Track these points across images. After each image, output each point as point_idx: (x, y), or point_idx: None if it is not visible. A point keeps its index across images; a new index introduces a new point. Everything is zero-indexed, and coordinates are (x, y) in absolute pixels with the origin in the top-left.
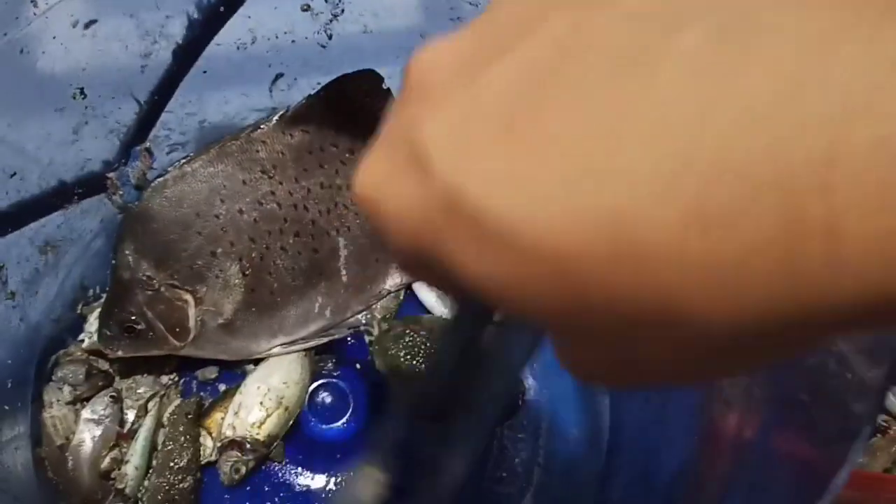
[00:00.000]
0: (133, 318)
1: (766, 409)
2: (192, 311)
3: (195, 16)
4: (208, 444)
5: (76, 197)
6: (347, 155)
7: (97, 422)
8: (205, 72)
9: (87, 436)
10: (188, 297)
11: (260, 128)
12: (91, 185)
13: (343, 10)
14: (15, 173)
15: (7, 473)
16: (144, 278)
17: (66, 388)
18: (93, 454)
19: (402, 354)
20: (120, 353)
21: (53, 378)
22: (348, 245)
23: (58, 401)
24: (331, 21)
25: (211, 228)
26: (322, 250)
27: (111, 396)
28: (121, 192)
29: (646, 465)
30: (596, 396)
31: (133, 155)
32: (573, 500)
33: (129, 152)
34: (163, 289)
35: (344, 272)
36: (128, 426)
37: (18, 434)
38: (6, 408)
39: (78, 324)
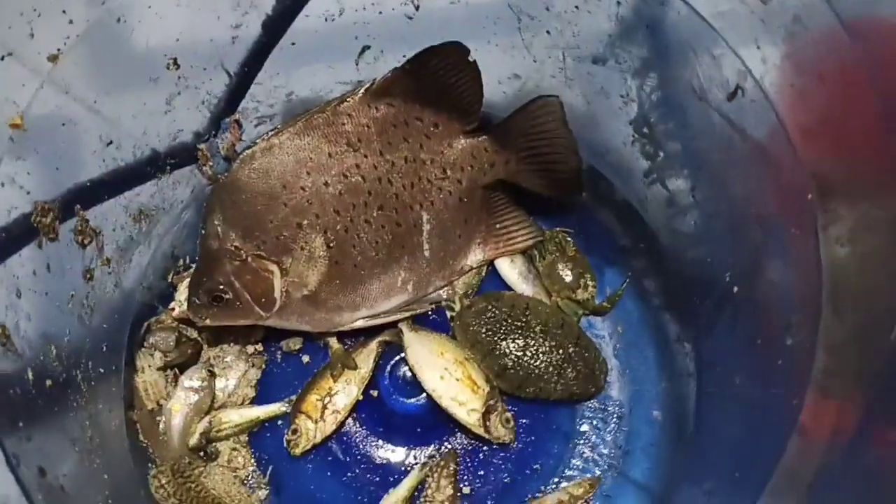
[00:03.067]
0: (221, 287)
1: (870, 398)
2: (277, 282)
3: None
4: (310, 427)
5: (168, 167)
6: (432, 129)
7: (194, 391)
8: (293, 44)
9: (182, 403)
10: (274, 267)
11: (346, 101)
12: (182, 155)
13: None
14: (111, 141)
15: (102, 435)
16: (232, 248)
17: (157, 355)
18: (184, 421)
19: (483, 330)
20: (208, 322)
21: (145, 344)
22: (431, 220)
23: (149, 366)
24: None
25: (297, 200)
26: (405, 224)
27: (209, 371)
28: (210, 164)
29: (734, 450)
30: (681, 378)
31: (223, 126)
32: (656, 485)
33: (218, 124)
34: (250, 259)
35: (426, 247)
36: (218, 398)
37: (112, 397)
38: (101, 370)
39: (168, 292)
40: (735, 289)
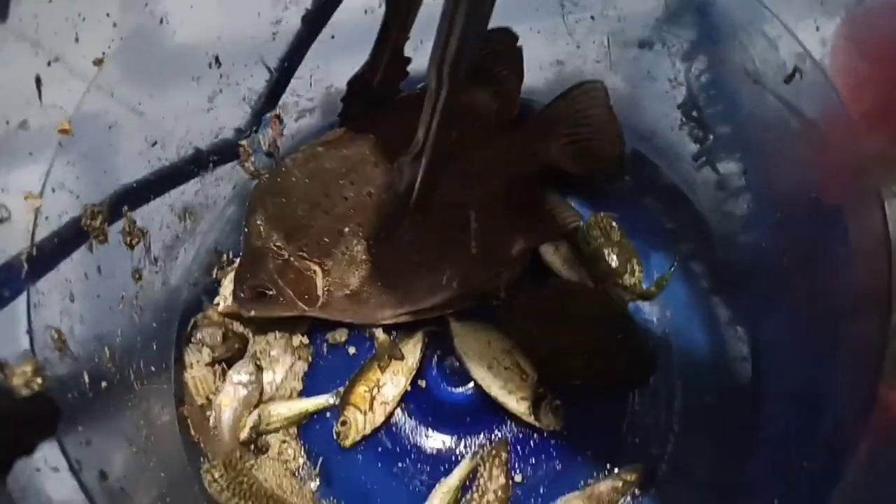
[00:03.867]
0: (265, 283)
1: None
2: (319, 281)
3: None
4: (360, 418)
5: (211, 164)
6: (477, 124)
7: (243, 385)
8: (332, 37)
9: (231, 397)
10: (316, 267)
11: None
12: (225, 152)
13: None
14: (156, 142)
15: (155, 433)
16: (275, 248)
17: (205, 350)
18: (234, 416)
19: (530, 319)
20: (253, 314)
21: (193, 340)
22: (477, 217)
23: (198, 362)
24: None
25: (339, 209)
26: (451, 223)
27: (256, 364)
28: (252, 159)
29: (795, 439)
30: (735, 362)
31: (264, 122)
32: (710, 472)
33: (260, 119)
34: (292, 259)
35: (473, 244)
36: (266, 392)
37: (163, 394)
38: (152, 368)
39: (214, 287)
40: (793, 273)
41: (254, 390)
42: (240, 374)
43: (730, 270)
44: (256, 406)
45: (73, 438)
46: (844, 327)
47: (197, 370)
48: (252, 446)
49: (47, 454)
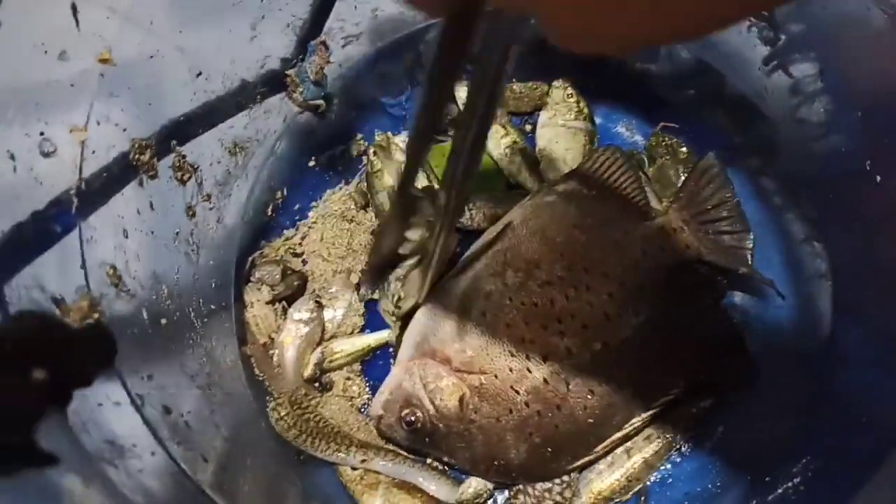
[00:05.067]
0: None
1: None
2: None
3: None
4: None
5: (258, 96)
6: None
7: (304, 322)
8: None
9: (293, 335)
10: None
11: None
12: (272, 83)
13: None
14: (200, 73)
15: (219, 371)
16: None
17: (265, 289)
18: (297, 353)
19: None
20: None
21: (252, 279)
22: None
23: (258, 300)
24: None
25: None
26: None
27: (316, 302)
28: (300, 90)
29: (877, 351)
30: (813, 280)
31: (309, 50)
32: (791, 394)
33: (305, 47)
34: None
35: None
36: (328, 329)
37: (225, 332)
38: (212, 307)
39: (271, 226)
40: (878, 178)
41: (315, 327)
42: (300, 311)
43: (806, 182)
44: (319, 343)
45: (133, 373)
46: None
47: (258, 309)
48: (317, 384)
49: (109, 390)
